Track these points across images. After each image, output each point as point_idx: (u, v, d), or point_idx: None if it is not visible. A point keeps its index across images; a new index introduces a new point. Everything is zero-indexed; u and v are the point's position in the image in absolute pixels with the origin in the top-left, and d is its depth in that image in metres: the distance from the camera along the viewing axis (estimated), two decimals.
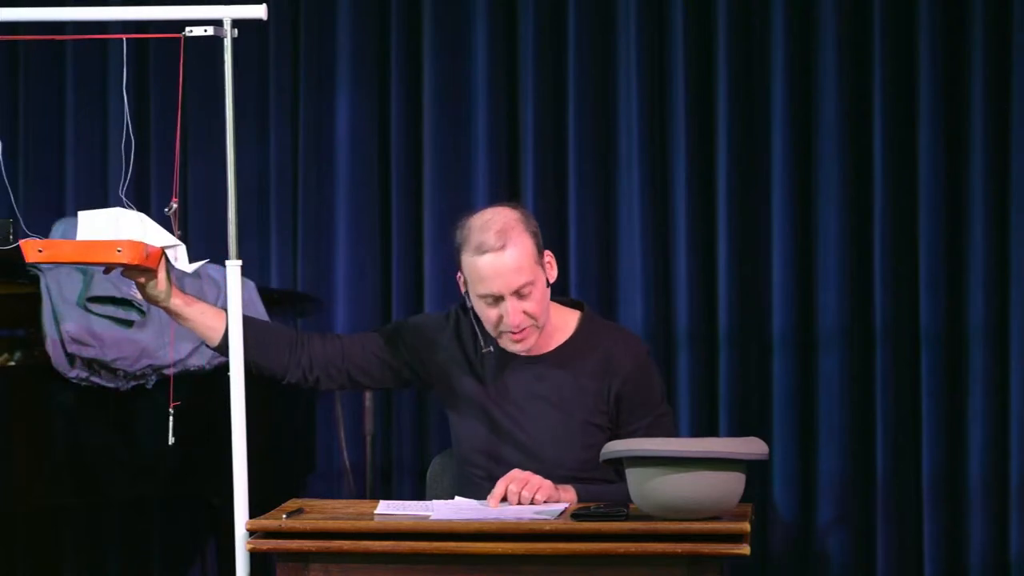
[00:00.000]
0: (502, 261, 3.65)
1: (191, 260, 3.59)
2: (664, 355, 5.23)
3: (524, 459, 3.73)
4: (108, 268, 3.66)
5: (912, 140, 5.12)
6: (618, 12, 5.27)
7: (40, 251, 3.51)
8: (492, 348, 3.78)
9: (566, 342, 3.82)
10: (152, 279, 3.59)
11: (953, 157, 5.10)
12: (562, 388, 3.77)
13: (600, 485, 3.69)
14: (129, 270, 3.57)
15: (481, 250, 3.65)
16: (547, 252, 3.76)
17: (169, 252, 3.56)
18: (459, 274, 3.74)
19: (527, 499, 3.55)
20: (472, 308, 3.76)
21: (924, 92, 5.09)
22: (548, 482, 3.59)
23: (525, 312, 3.67)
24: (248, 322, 3.67)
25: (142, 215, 3.54)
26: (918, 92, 5.11)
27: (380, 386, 3.98)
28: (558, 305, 3.87)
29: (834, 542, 5.20)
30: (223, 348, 3.63)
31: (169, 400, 3.58)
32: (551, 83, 5.33)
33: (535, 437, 3.76)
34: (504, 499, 3.57)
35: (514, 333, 3.69)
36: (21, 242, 3.51)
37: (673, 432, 3.84)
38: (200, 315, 3.70)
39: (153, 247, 3.52)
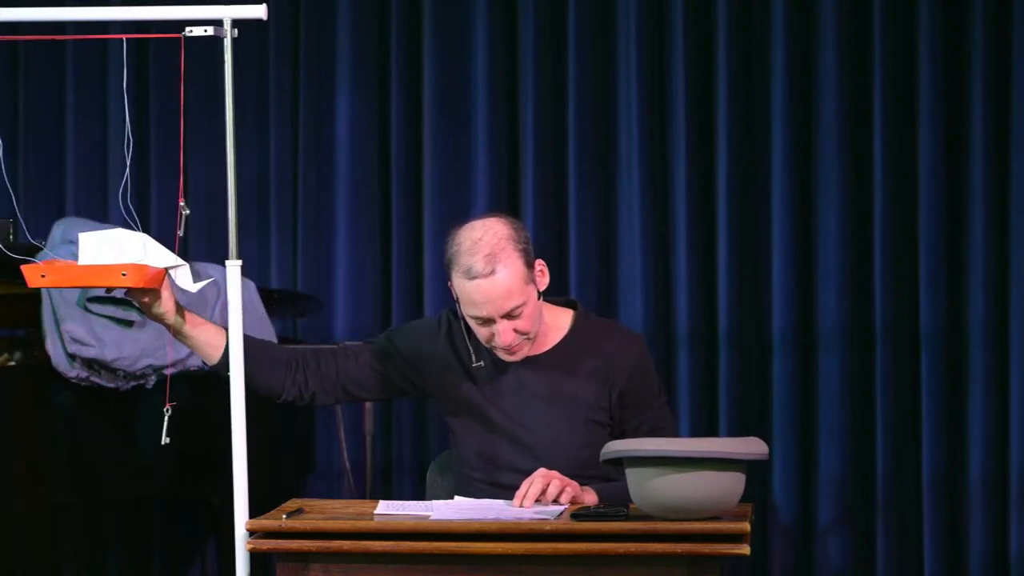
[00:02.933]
0: (491, 286, 3.61)
1: (195, 279, 3.59)
2: (664, 355, 5.23)
3: (524, 460, 3.72)
4: (110, 288, 3.66)
5: (912, 140, 5.13)
6: (618, 12, 5.28)
7: (43, 276, 3.50)
8: (483, 363, 3.77)
9: (562, 341, 3.80)
10: (157, 299, 3.59)
11: (953, 157, 5.10)
12: (561, 387, 3.77)
13: (619, 483, 3.65)
14: (133, 291, 3.57)
15: (470, 275, 3.61)
16: (538, 261, 3.71)
17: (172, 272, 3.56)
18: (450, 282, 3.72)
19: (552, 496, 3.54)
20: (463, 318, 3.75)
21: (924, 92, 5.09)
22: (574, 483, 3.58)
23: (516, 330, 3.67)
24: (244, 341, 3.67)
25: (144, 236, 3.54)
26: (918, 92, 5.11)
27: (377, 398, 3.97)
28: (551, 306, 3.84)
29: (834, 542, 5.20)
30: (221, 366, 3.63)
31: (165, 400, 3.58)
32: (551, 83, 5.33)
33: (535, 437, 3.75)
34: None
35: (504, 352, 3.70)
36: (23, 268, 3.51)
37: (672, 418, 3.85)
38: (202, 332, 3.70)
39: (156, 268, 3.52)
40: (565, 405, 3.76)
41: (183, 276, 3.56)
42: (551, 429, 3.75)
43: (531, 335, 3.71)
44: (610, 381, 3.76)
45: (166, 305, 3.61)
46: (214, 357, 3.70)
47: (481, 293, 3.61)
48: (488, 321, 3.65)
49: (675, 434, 3.84)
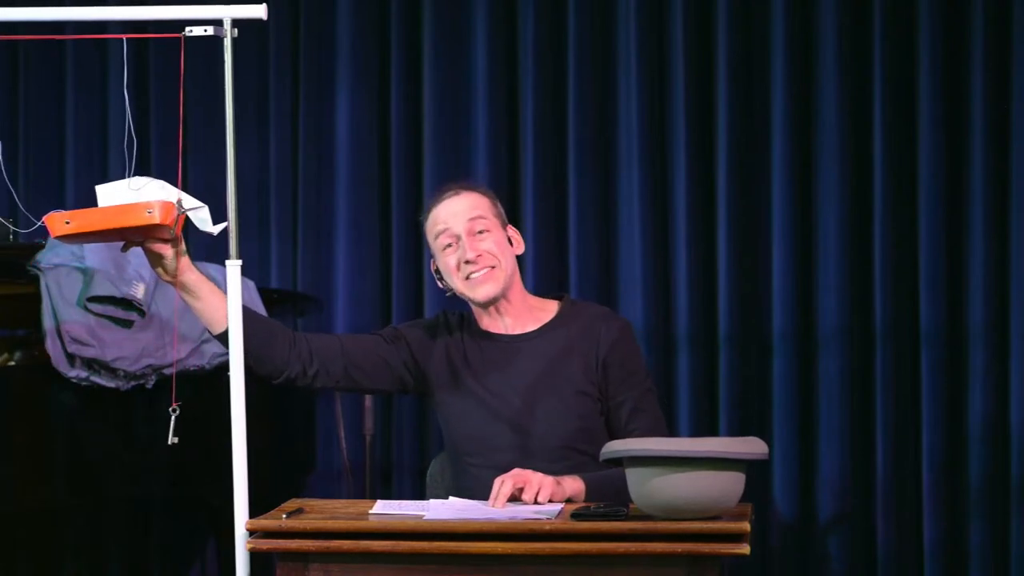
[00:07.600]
0: (457, 202, 3.82)
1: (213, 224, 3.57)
2: (664, 355, 5.23)
3: (518, 437, 3.75)
4: (127, 246, 3.61)
5: (912, 140, 5.13)
6: (618, 12, 5.28)
7: (68, 223, 3.44)
8: (450, 292, 3.86)
9: (550, 321, 3.89)
10: (174, 248, 3.57)
11: (953, 157, 5.10)
12: (550, 362, 3.82)
13: (606, 471, 3.65)
14: (150, 242, 3.54)
15: (439, 199, 3.83)
16: (512, 227, 3.89)
17: (192, 215, 3.53)
18: (431, 261, 3.83)
19: (529, 500, 3.54)
20: (441, 281, 3.85)
21: (924, 92, 5.09)
22: (549, 479, 3.59)
23: (483, 249, 3.77)
24: (248, 314, 3.66)
25: (162, 181, 3.52)
26: (918, 92, 5.11)
27: (376, 387, 3.95)
28: (538, 297, 3.95)
29: (834, 542, 5.20)
30: (227, 336, 3.60)
31: (172, 399, 3.57)
32: (551, 83, 5.33)
33: (528, 414, 3.79)
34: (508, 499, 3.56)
35: (475, 269, 3.76)
36: (46, 217, 3.46)
37: (659, 410, 3.88)
38: (211, 294, 3.67)
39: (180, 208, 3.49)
40: (555, 380, 3.81)
41: (202, 218, 3.54)
42: (543, 404, 3.79)
43: (501, 264, 3.80)
44: (595, 347, 3.83)
45: (181, 259, 3.59)
46: (221, 324, 3.65)
47: (447, 210, 3.81)
48: (457, 239, 3.78)
49: (661, 424, 3.85)
